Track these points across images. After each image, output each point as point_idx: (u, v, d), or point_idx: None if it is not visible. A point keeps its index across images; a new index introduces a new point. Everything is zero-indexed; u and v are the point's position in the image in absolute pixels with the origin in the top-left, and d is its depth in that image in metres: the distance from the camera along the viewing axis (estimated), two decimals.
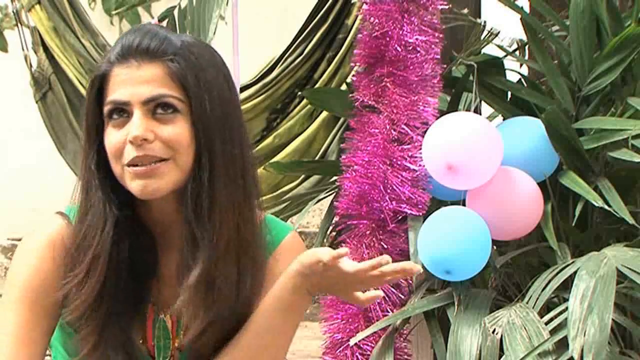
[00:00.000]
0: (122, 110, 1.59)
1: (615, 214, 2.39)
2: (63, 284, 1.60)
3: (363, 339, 2.45)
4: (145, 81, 1.59)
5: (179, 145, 1.58)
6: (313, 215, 7.00)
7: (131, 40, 1.60)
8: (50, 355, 1.70)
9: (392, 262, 1.54)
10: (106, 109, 1.60)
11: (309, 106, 3.44)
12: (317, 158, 3.42)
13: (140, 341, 1.63)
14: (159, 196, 1.59)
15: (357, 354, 2.47)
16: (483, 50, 2.83)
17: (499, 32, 2.83)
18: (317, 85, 3.44)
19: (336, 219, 2.64)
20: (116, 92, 1.59)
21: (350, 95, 2.67)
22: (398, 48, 2.58)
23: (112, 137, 1.60)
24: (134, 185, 1.58)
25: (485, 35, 2.81)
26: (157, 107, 1.59)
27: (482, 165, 2.45)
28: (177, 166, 1.59)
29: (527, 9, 2.99)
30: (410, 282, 2.52)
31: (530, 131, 2.57)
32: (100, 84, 1.61)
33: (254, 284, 1.64)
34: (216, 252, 1.60)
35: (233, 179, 1.62)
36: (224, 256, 1.61)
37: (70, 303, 1.59)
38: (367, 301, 1.58)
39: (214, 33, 3.10)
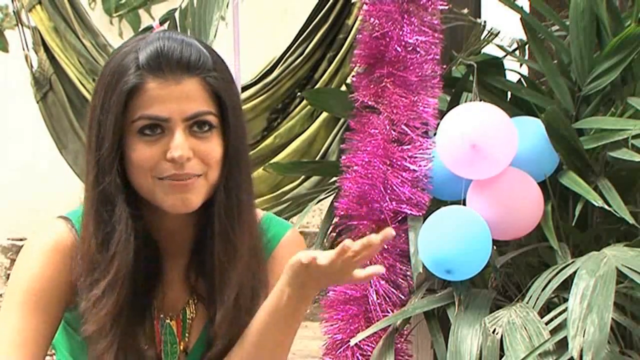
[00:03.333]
0: (157, 126, 1.55)
1: (615, 213, 2.39)
2: (83, 296, 1.58)
3: (363, 339, 2.45)
4: (186, 97, 1.55)
5: (214, 161, 1.58)
6: (313, 216, 7.01)
7: (168, 50, 1.55)
8: (50, 355, 1.70)
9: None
10: (139, 123, 1.55)
11: (309, 106, 3.44)
12: (317, 158, 3.42)
13: (146, 347, 1.63)
14: (191, 210, 1.58)
15: (357, 354, 2.47)
16: (483, 50, 2.83)
17: (499, 32, 2.83)
18: (317, 86, 3.44)
19: (336, 219, 2.64)
20: (153, 107, 1.54)
21: (350, 95, 2.67)
22: (398, 48, 2.58)
23: (144, 152, 1.55)
24: (170, 200, 1.56)
25: (485, 35, 2.81)
26: (194, 125, 1.56)
27: (504, 148, 2.44)
28: (207, 181, 1.58)
29: (527, 9, 2.99)
30: (411, 282, 2.52)
31: (530, 131, 2.57)
32: (128, 97, 1.54)
33: (261, 285, 1.65)
34: (245, 256, 1.62)
35: (249, 183, 1.64)
36: (248, 259, 1.63)
37: (89, 315, 1.57)
38: (366, 278, 1.54)
39: (215, 36, 3.10)
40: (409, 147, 2.56)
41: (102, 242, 1.57)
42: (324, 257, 1.50)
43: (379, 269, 1.53)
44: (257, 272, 1.64)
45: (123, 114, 1.55)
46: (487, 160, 2.44)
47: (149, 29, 3.41)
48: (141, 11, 6.49)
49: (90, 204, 1.59)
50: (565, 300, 2.22)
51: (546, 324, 2.22)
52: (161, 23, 3.38)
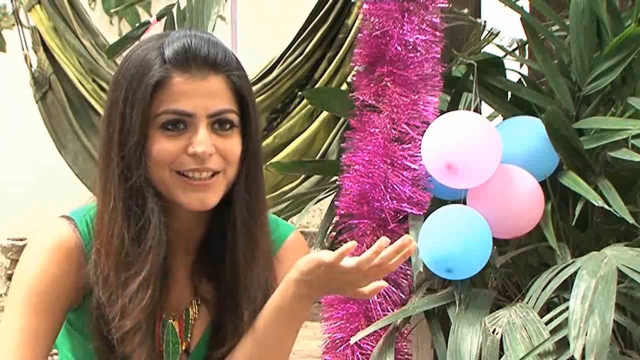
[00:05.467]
0: (180, 122, 1.55)
1: (616, 213, 2.39)
2: (115, 293, 1.56)
3: (363, 338, 2.45)
4: (211, 94, 1.55)
5: (234, 158, 1.59)
6: (313, 215, 7.02)
7: (195, 46, 1.55)
8: (53, 355, 1.70)
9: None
10: (163, 117, 1.55)
11: (309, 106, 3.44)
12: (317, 158, 3.42)
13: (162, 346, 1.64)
14: (207, 209, 1.59)
15: (357, 353, 2.47)
16: (483, 50, 2.83)
17: (499, 32, 2.82)
18: (317, 85, 3.44)
19: (336, 218, 2.64)
20: (178, 102, 1.54)
21: (351, 94, 2.67)
22: (398, 47, 2.58)
23: (166, 146, 1.55)
24: (188, 198, 1.57)
25: (485, 35, 2.81)
26: (216, 122, 1.57)
27: (482, 164, 2.45)
28: (225, 178, 1.59)
29: (527, 8, 2.99)
30: (411, 281, 2.52)
31: (530, 131, 2.57)
32: (153, 90, 1.54)
33: (272, 282, 1.66)
34: (265, 252, 1.64)
35: (264, 182, 1.66)
36: (267, 256, 1.65)
37: (126, 312, 1.56)
38: (371, 293, 1.56)
39: (213, 30, 3.11)
40: (409, 146, 2.56)
41: (135, 237, 1.57)
42: (351, 260, 1.52)
43: (382, 283, 1.56)
44: (272, 269, 1.65)
45: (149, 108, 1.55)
46: (466, 176, 2.44)
47: (146, 24, 3.41)
48: (141, 10, 6.50)
49: (116, 200, 1.57)
50: (565, 300, 2.22)
51: (546, 324, 2.22)
52: (159, 18, 3.38)
